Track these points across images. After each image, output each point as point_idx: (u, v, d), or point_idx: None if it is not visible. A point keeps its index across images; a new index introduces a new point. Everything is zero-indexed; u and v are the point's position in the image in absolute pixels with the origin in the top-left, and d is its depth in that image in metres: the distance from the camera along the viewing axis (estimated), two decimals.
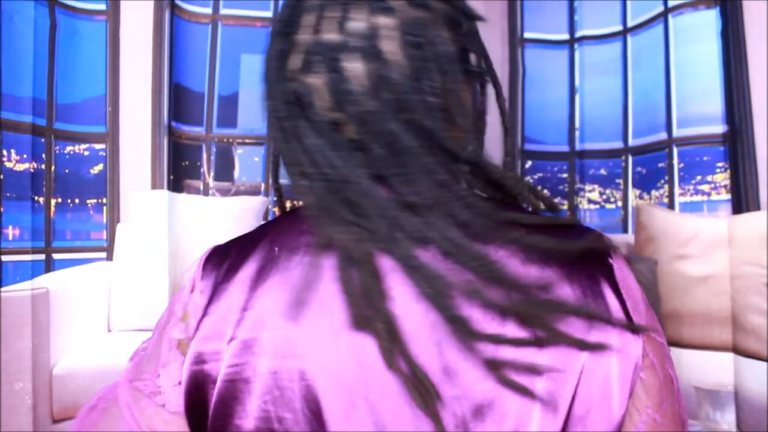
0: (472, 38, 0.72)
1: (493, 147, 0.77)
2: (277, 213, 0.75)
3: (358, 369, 0.59)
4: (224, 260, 0.67)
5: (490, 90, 0.76)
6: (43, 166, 2.07)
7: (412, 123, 0.64)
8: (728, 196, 2.24)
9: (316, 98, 0.65)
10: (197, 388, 0.63)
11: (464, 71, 0.70)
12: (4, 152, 1.97)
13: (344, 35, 0.64)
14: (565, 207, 2.63)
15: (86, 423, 0.67)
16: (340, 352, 0.59)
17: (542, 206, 0.67)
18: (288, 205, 0.73)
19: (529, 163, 2.67)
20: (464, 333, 0.59)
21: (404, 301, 0.60)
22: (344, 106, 0.64)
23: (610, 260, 0.66)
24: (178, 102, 2.21)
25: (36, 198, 2.04)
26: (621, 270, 0.66)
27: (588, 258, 0.65)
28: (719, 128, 2.25)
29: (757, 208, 2.17)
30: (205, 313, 0.64)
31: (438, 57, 0.66)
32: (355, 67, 0.64)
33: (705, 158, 2.32)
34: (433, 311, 0.59)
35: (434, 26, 0.66)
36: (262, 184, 2.27)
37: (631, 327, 0.62)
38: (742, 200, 2.20)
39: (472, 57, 0.73)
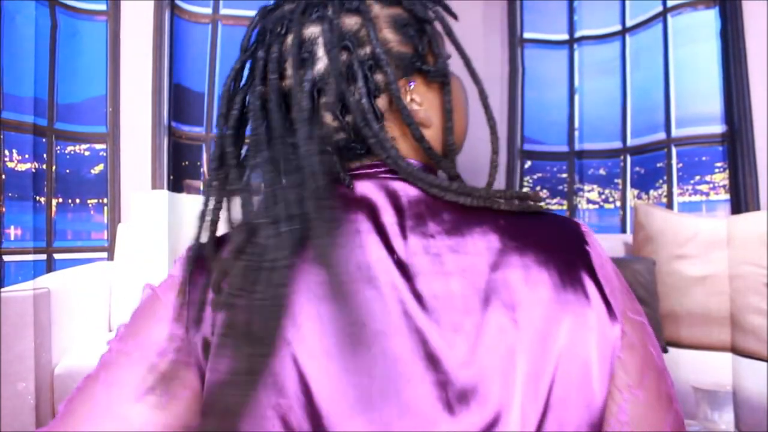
0: (425, 39, 0.74)
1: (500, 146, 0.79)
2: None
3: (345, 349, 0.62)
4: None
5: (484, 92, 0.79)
6: (44, 166, 2.07)
7: (345, 123, 0.68)
8: (727, 196, 2.25)
9: (272, 105, 0.68)
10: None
11: (419, 72, 0.73)
12: (6, 152, 1.97)
13: (283, 48, 0.69)
14: (565, 207, 2.63)
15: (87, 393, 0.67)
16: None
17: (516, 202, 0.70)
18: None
19: (528, 163, 2.67)
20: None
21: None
22: (272, 115, 0.68)
23: (587, 247, 0.68)
24: (178, 102, 2.21)
25: (37, 198, 2.04)
26: (598, 256, 0.68)
27: (565, 245, 0.68)
28: (718, 128, 2.25)
29: (757, 208, 2.17)
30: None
31: (371, 59, 0.69)
32: (290, 74, 0.68)
33: (704, 158, 2.32)
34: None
35: (370, 30, 0.69)
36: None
37: (609, 310, 0.64)
38: (741, 200, 2.21)
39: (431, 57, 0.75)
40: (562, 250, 0.67)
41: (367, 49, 0.68)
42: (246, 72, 0.74)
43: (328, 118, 0.69)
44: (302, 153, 0.65)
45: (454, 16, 0.78)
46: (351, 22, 0.69)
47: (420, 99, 0.73)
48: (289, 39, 0.69)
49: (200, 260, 0.69)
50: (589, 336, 0.64)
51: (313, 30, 0.69)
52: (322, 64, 0.68)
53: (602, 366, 0.64)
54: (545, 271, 0.65)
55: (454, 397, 0.62)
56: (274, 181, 0.66)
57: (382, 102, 0.70)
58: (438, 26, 0.76)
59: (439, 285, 0.64)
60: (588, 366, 0.63)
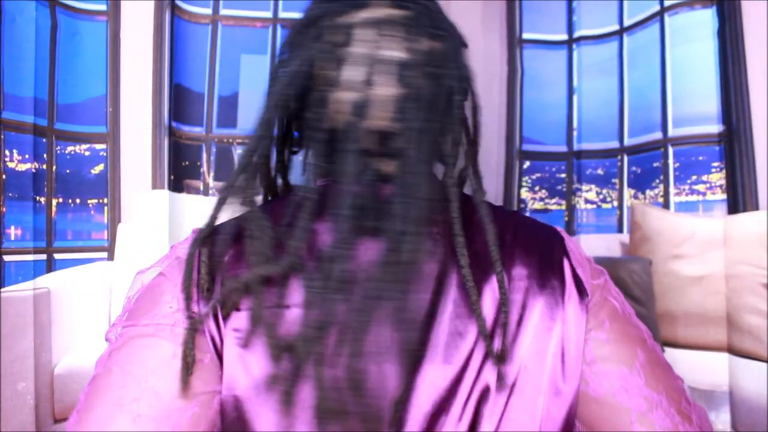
0: (467, 66, 0.80)
1: (493, 150, 0.84)
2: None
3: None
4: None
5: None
6: (45, 166, 2.07)
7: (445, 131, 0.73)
8: (724, 196, 2.25)
9: (377, 109, 0.71)
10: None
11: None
12: (6, 152, 1.97)
13: (409, 54, 0.72)
14: (563, 207, 2.64)
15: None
16: None
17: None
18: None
19: (527, 164, 2.67)
20: None
21: None
22: (404, 118, 0.71)
23: (565, 243, 0.79)
24: (178, 102, 2.21)
25: (37, 198, 2.04)
26: (572, 246, 0.79)
27: (545, 236, 0.79)
28: (715, 128, 2.26)
29: (754, 207, 2.18)
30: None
31: (466, 78, 0.76)
32: (417, 84, 0.71)
33: (701, 158, 2.33)
34: None
35: (462, 50, 0.76)
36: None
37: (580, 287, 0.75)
38: (738, 200, 2.21)
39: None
40: (541, 240, 0.77)
41: (465, 69, 0.76)
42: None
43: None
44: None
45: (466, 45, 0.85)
46: (458, 43, 0.76)
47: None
48: (414, 45, 0.74)
49: (210, 240, 0.71)
50: (563, 312, 0.73)
51: (436, 45, 0.74)
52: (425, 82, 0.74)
53: (577, 330, 0.73)
54: (525, 256, 0.75)
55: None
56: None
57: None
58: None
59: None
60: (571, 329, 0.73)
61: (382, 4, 0.75)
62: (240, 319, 0.67)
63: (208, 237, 0.73)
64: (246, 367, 0.66)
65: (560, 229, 0.82)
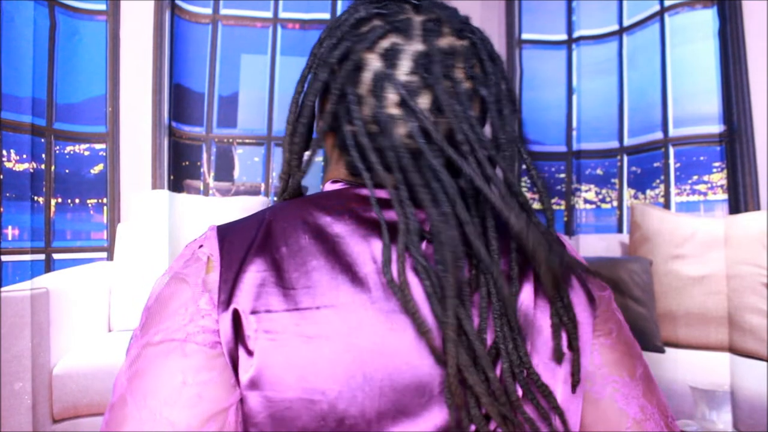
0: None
1: None
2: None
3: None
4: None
5: None
6: (43, 166, 2.07)
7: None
8: (725, 196, 2.25)
9: (421, 100, 0.74)
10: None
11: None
12: (4, 152, 1.96)
13: (471, 83, 0.75)
14: (563, 207, 2.63)
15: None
16: None
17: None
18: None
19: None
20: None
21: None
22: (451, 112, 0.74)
23: (565, 247, 0.83)
24: (178, 102, 2.20)
25: (36, 198, 2.04)
26: (571, 251, 0.84)
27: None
28: (716, 128, 2.26)
29: (756, 208, 2.18)
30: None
31: (515, 98, 0.80)
32: (473, 114, 0.75)
33: (701, 158, 2.32)
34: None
35: (505, 75, 0.82)
36: (262, 184, 2.27)
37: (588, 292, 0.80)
38: (739, 200, 2.21)
39: None
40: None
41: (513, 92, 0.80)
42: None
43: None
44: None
45: None
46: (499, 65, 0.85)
47: None
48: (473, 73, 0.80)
49: (230, 238, 0.72)
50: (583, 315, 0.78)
51: (482, 68, 0.79)
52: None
53: (585, 334, 0.77)
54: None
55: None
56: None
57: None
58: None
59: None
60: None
61: (448, 32, 0.78)
62: (274, 321, 0.68)
63: (227, 234, 0.73)
64: (289, 367, 0.67)
65: (561, 234, 0.85)
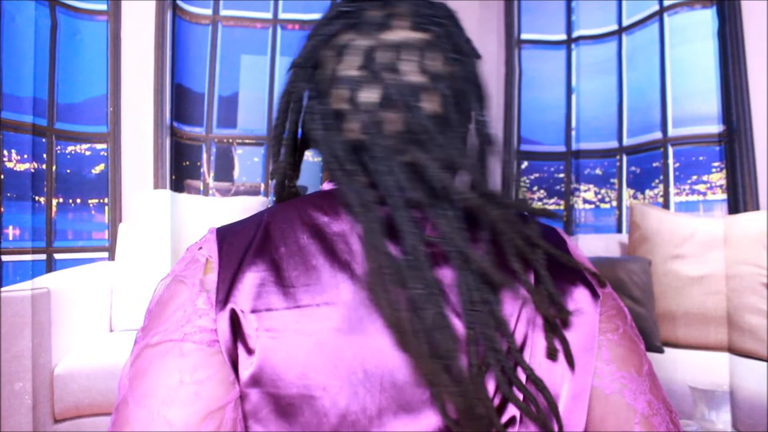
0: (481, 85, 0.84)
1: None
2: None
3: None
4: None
5: None
6: (44, 166, 2.07)
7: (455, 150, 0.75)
8: (724, 196, 2.25)
9: (389, 126, 0.74)
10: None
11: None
12: (5, 152, 1.97)
13: (426, 77, 0.74)
14: (562, 207, 2.64)
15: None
16: None
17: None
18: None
19: (525, 164, 2.67)
20: None
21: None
22: (416, 137, 0.73)
23: (566, 244, 0.83)
24: (179, 102, 2.21)
25: (37, 198, 2.04)
26: (574, 250, 0.83)
27: (554, 242, 0.81)
28: (715, 128, 2.26)
29: (755, 207, 2.18)
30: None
31: (484, 96, 0.79)
32: (432, 103, 0.74)
33: (700, 158, 2.33)
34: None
35: (477, 68, 0.79)
36: (262, 185, 2.27)
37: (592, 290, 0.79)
38: (738, 200, 2.21)
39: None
40: (551, 242, 0.79)
41: (479, 91, 0.79)
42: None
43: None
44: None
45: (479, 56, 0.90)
46: (471, 62, 0.81)
47: None
48: (434, 66, 0.77)
49: (229, 240, 0.73)
50: (580, 312, 0.78)
51: (452, 68, 0.77)
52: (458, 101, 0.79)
53: (590, 330, 0.78)
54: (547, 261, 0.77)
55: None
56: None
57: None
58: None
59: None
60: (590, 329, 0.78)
61: (402, 26, 0.77)
62: (275, 319, 0.68)
63: (227, 236, 0.74)
64: (291, 364, 0.67)
65: (560, 230, 0.85)
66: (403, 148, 0.75)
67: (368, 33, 0.77)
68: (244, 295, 0.70)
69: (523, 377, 0.72)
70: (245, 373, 0.68)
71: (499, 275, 0.70)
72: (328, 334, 0.68)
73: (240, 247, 0.73)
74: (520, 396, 0.71)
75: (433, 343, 0.66)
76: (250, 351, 0.69)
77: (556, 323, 0.74)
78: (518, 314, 0.74)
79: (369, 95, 0.76)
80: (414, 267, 0.68)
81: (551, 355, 0.73)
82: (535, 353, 0.74)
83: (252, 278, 0.71)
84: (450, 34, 0.79)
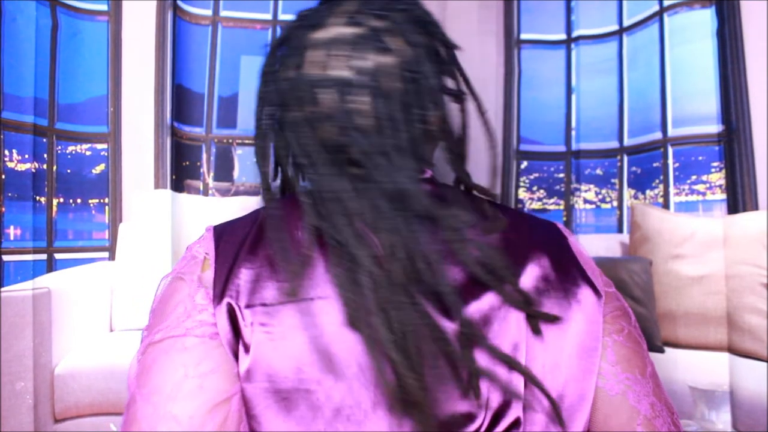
0: (454, 65, 0.82)
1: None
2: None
3: None
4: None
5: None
6: (45, 166, 2.07)
7: (400, 148, 0.74)
8: (723, 196, 2.25)
9: (326, 125, 0.74)
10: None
11: (447, 95, 0.81)
12: (6, 152, 1.97)
13: (353, 72, 0.73)
14: (562, 207, 2.64)
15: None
16: None
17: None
18: None
19: (525, 164, 2.67)
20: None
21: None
22: (349, 135, 0.73)
23: (567, 241, 0.83)
24: (179, 103, 2.21)
25: (37, 198, 2.04)
26: (575, 246, 0.83)
27: (551, 238, 0.82)
28: (714, 128, 2.26)
29: (754, 207, 2.18)
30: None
31: (430, 89, 0.76)
32: (362, 100, 0.73)
33: (700, 158, 2.33)
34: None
35: (425, 61, 0.77)
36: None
37: (594, 289, 0.79)
38: (738, 200, 2.21)
39: (449, 81, 0.83)
40: (551, 242, 0.76)
41: (430, 81, 0.76)
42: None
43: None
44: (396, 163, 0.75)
45: (457, 47, 0.89)
46: (414, 53, 0.76)
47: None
48: (358, 63, 0.74)
49: (225, 237, 0.74)
50: (584, 311, 0.78)
51: (382, 59, 0.74)
52: (393, 92, 0.74)
53: (594, 329, 0.78)
54: (545, 258, 0.72)
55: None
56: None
57: (436, 127, 0.78)
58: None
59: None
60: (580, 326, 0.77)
61: (337, 22, 0.77)
62: (269, 314, 0.69)
63: (223, 234, 0.75)
64: (285, 358, 0.68)
65: (561, 226, 0.84)
66: (337, 158, 0.75)
67: (306, 32, 0.78)
68: (238, 291, 0.70)
69: (506, 370, 0.71)
70: (242, 368, 0.69)
71: (434, 274, 0.70)
72: (323, 328, 0.68)
73: (235, 244, 0.74)
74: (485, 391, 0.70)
75: (390, 324, 0.67)
76: (246, 346, 0.69)
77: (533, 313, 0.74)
78: (504, 314, 0.73)
79: (301, 94, 0.77)
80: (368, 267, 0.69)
81: (535, 330, 0.73)
82: (534, 354, 0.74)
83: (247, 274, 0.71)
84: (377, 29, 0.78)
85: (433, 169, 0.85)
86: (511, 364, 0.71)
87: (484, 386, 0.70)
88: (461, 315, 0.70)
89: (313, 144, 0.74)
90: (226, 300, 0.70)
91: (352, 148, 0.74)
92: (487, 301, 0.73)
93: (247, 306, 0.69)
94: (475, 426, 0.70)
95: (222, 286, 0.71)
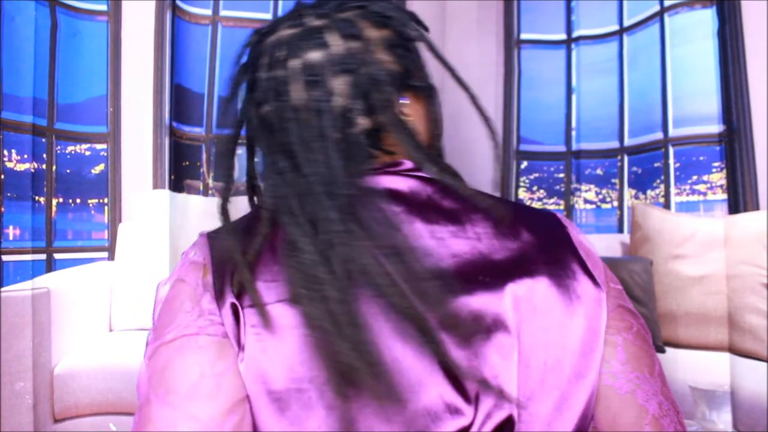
0: (413, 58, 0.82)
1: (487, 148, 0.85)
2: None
3: None
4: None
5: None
6: (44, 166, 2.07)
7: (343, 142, 0.74)
8: (724, 196, 2.25)
9: (275, 122, 0.75)
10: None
11: (408, 87, 0.81)
12: (5, 152, 1.97)
13: (287, 71, 0.74)
14: (562, 207, 2.64)
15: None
16: None
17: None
18: None
19: (525, 164, 2.67)
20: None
21: None
22: (288, 129, 0.73)
23: (566, 230, 0.80)
24: (178, 102, 2.21)
25: (37, 198, 2.04)
26: (576, 237, 0.80)
27: (549, 229, 0.80)
28: (715, 128, 2.26)
29: (755, 207, 2.18)
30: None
31: (372, 80, 0.76)
32: (298, 96, 0.73)
33: (701, 158, 2.33)
34: None
35: (368, 53, 0.76)
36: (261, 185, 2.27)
37: (594, 281, 0.77)
38: (738, 200, 2.21)
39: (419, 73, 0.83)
40: (547, 233, 0.78)
41: (372, 72, 0.76)
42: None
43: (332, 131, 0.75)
44: (331, 156, 0.73)
45: (426, 29, 0.84)
46: (350, 46, 0.76)
47: (409, 111, 0.82)
48: (293, 63, 0.75)
49: (218, 243, 0.74)
50: (585, 306, 0.75)
51: (315, 55, 0.75)
52: (330, 85, 0.74)
53: (595, 325, 0.76)
54: (538, 253, 0.75)
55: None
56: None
57: (381, 118, 0.75)
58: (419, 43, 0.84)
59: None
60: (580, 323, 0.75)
61: (283, 26, 0.78)
62: (259, 315, 0.69)
63: (216, 238, 0.76)
64: (276, 358, 0.68)
65: (561, 216, 0.83)
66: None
67: (277, 30, 0.79)
68: (233, 293, 0.71)
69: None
70: (240, 368, 0.69)
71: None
72: (312, 326, 0.68)
73: (228, 248, 0.74)
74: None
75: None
76: (241, 347, 0.69)
77: None
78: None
79: (268, 86, 0.78)
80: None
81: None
82: (535, 352, 0.73)
83: (245, 273, 0.71)
84: (312, 28, 0.79)
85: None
86: (466, 372, 0.70)
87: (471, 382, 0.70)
88: (442, 306, 0.70)
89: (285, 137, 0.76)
90: (229, 300, 0.70)
91: (290, 138, 0.75)
92: (479, 301, 0.73)
93: (243, 307, 0.70)
94: (465, 422, 0.70)
95: (221, 289, 0.71)
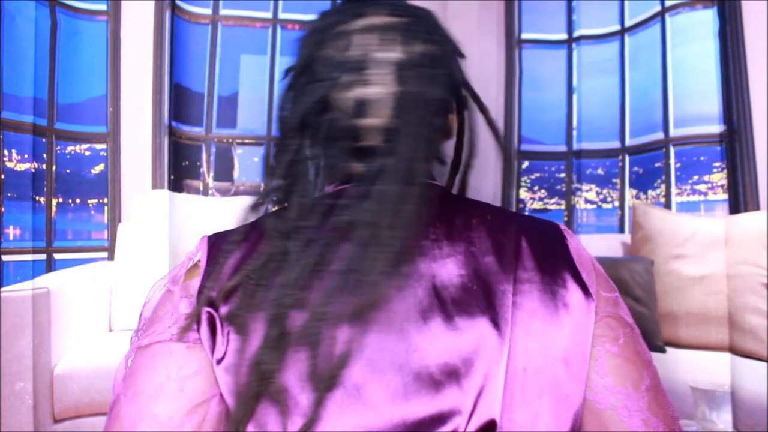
0: (462, 71, 0.84)
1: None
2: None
3: None
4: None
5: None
6: (44, 166, 2.07)
7: (423, 137, 0.76)
8: (725, 196, 2.25)
9: (375, 107, 0.75)
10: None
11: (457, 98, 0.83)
12: (5, 152, 1.97)
13: (407, 55, 0.75)
14: (563, 207, 2.63)
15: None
16: None
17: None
18: None
19: (526, 164, 2.67)
20: None
21: None
22: (401, 115, 0.75)
23: (566, 242, 0.81)
24: (178, 102, 2.21)
25: (37, 198, 2.04)
26: (575, 247, 0.81)
27: (548, 243, 0.80)
28: (716, 128, 2.26)
29: (756, 207, 2.18)
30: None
31: (454, 85, 0.79)
32: (415, 82, 0.75)
33: (702, 158, 2.32)
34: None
35: (453, 59, 0.80)
36: (262, 185, 2.27)
37: (585, 290, 0.76)
38: (739, 200, 2.21)
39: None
40: (546, 244, 0.76)
41: (455, 77, 0.79)
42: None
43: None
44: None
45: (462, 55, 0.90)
46: (450, 49, 0.80)
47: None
48: (411, 48, 0.77)
49: (217, 247, 0.76)
50: (572, 316, 0.75)
51: (431, 48, 0.77)
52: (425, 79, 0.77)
53: (582, 335, 0.75)
54: (531, 258, 0.73)
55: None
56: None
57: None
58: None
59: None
60: (566, 334, 0.75)
61: (380, 12, 0.79)
62: (245, 319, 0.71)
63: (216, 243, 0.77)
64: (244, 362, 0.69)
65: (564, 227, 0.83)
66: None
67: (346, 21, 0.80)
68: (220, 299, 0.72)
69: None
70: (218, 373, 0.71)
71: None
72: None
73: (227, 253, 0.76)
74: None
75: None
76: (222, 353, 0.71)
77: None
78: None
79: (352, 76, 0.82)
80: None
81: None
82: (512, 349, 0.73)
83: (233, 282, 0.73)
84: (426, 19, 0.81)
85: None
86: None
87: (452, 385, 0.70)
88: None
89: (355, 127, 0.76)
90: (208, 309, 0.72)
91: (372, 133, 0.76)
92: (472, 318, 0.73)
93: (227, 314, 0.71)
94: (450, 426, 0.70)
95: (207, 296, 0.73)
